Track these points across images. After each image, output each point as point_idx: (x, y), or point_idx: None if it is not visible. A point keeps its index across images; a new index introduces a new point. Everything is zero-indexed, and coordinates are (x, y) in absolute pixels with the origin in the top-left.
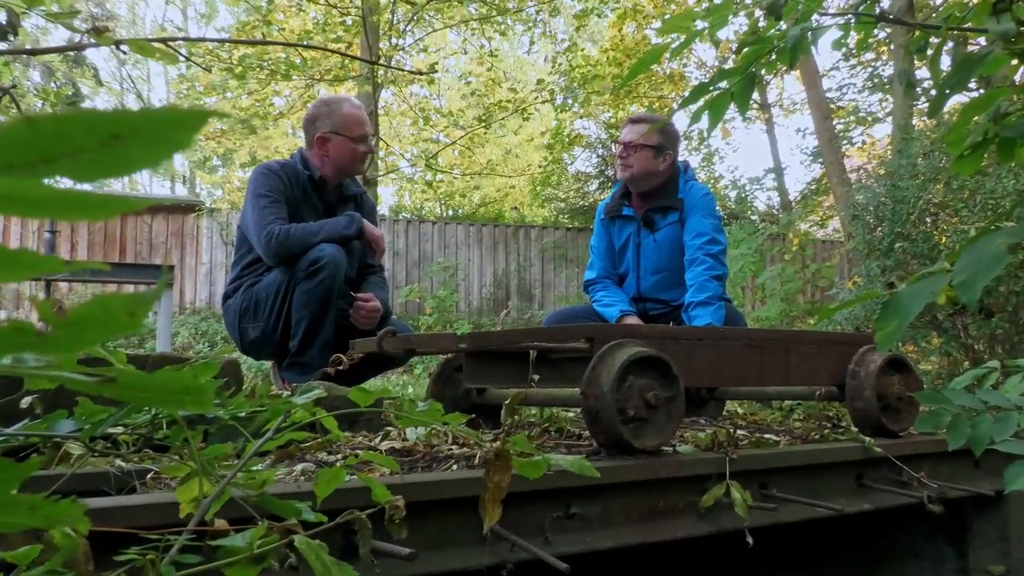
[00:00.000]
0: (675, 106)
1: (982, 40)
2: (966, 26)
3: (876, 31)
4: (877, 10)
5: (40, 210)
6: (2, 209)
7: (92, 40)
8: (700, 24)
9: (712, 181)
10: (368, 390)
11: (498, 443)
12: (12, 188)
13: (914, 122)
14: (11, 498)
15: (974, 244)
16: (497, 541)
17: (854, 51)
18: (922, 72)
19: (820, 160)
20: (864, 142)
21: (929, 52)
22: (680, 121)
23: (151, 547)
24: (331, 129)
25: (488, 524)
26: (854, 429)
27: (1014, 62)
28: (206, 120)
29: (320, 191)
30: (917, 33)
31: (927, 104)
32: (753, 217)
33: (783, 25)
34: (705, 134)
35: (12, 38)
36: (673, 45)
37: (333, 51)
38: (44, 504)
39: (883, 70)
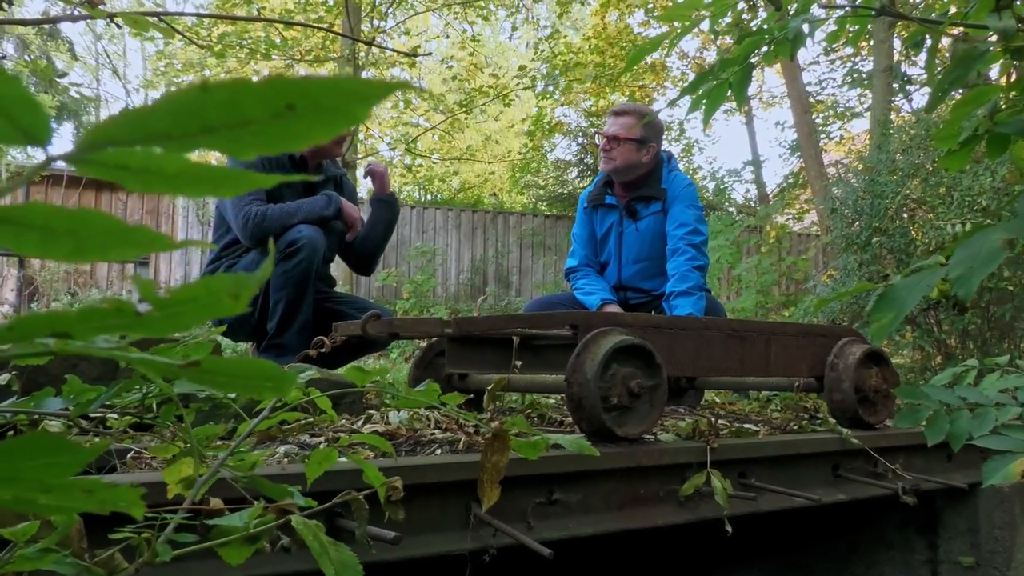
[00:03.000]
0: (657, 96)
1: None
2: (965, 22)
3: (866, 28)
4: (877, 3)
5: (171, 185)
6: (131, 183)
7: (84, 12)
8: (699, 14)
9: (691, 172)
10: (365, 369)
11: (495, 423)
12: (150, 160)
13: (892, 118)
14: (67, 482)
15: (970, 239)
16: (480, 526)
17: (843, 41)
18: (902, 67)
19: (799, 153)
20: (842, 137)
21: (927, 45)
22: (664, 110)
23: (146, 525)
24: None
25: (487, 505)
26: (831, 420)
27: (998, 64)
28: (389, 93)
29: (300, 171)
30: (906, 29)
31: (906, 100)
32: (731, 209)
33: (763, 21)
34: (687, 124)
35: (7, 7)
36: (673, 34)
37: (319, 27)
38: (101, 487)
39: (863, 65)
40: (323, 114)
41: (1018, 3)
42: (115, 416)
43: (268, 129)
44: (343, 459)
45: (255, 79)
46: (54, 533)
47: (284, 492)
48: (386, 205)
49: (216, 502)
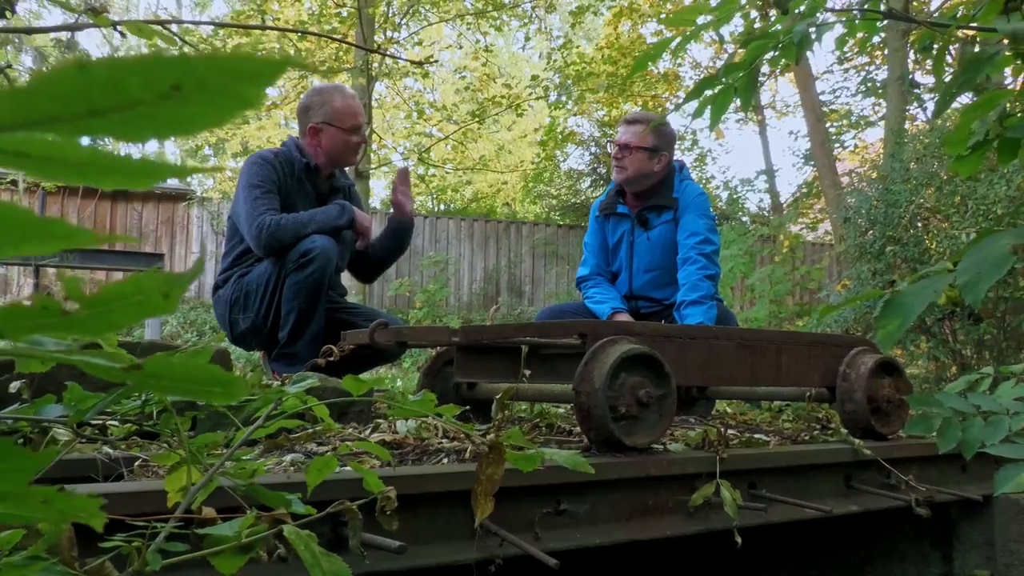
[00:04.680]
0: (669, 106)
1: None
2: (974, 25)
3: (875, 34)
4: (883, 7)
5: (79, 174)
6: (37, 172)
7: (89, 21)
8: (702, 19)
9: (704, 182)
10: (361, 379)
11: (491, 436)
12: (51, 149)
13: (906, 126)
14: (24, 490)
15: (978, 244)
16: (486, 536)
17: (853, 51)
18: (916, 76)
19: (812, 163)
20: (856, 146)
21: (934, 51)
22: (674, 120)
23: (137, 534)
24: (323, 120)
25: (480, 518)
26: (843, 431)
27: (1010, 67)
28: (279, 72)
29: (313, 180)
30: (916, 33)
31: (920, 109)
32: (744, 218)
33: (778, 26)
34: (700, 133)
35: (9, 15)
36: (675, 41)
37: (332, 38)
38: (58, 497)
39: (877, 74)
40: (211, 95)
41: None
42: (116, 424)
43: (157, 111)
44: (347, 468)
45: (135, 55)
46: (41, 540)
47: (281, 500)
48: (405, 232)
49: (208, 511)
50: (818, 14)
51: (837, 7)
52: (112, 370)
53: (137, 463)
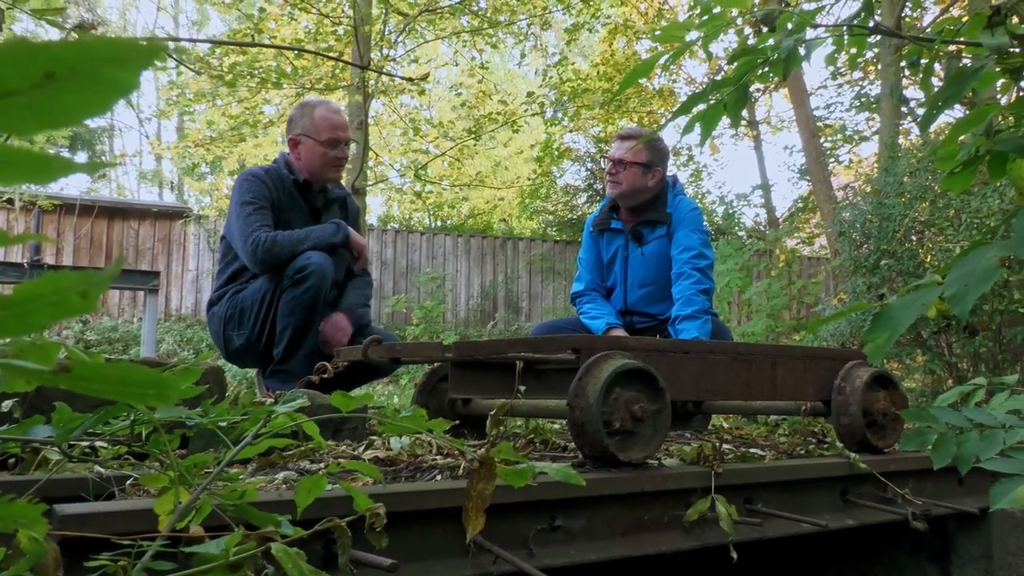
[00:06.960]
0: (664, 118)
1: (967, 60)
2: (959, 40)
3: (864, 50)
4: (872, 24)
5: None
6: None
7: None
8: (693, 35)
9: (699, 197)
10: (350, 396)
11: (483, 450)
12: None
13: (900, 141)
14: None
15: (965, 257)
16: (480, 553)
17: (846, 67)
18: (909, 92)
19: (807, 177)
20: (851, 160)
21: (922, 64)
22: (670, 136)
23: (124, 553)
24: (302, 131)
25: (471, 533)
26: (839, 445)
27: (1001, 81)
28: (154, 56)
29: (305, 194)
30: (908, 48)
31: (914, 123)
32: (740, 233)
33: (770, 40)
34: (696, 149)
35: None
36: (664, 57)
37: (327, 56)
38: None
39: (870, 89)
40: (86, 81)
41: (1013, 20)
42: (105, 444)
43: (34, 101)
44: (335, 485)
45: (3, 41)
46: (24, 560)
47: (270, 520)
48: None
49: (196, 529)
50: (807, 30)
51: (826, 23)
52: (40, 373)
53: (129, 482)
